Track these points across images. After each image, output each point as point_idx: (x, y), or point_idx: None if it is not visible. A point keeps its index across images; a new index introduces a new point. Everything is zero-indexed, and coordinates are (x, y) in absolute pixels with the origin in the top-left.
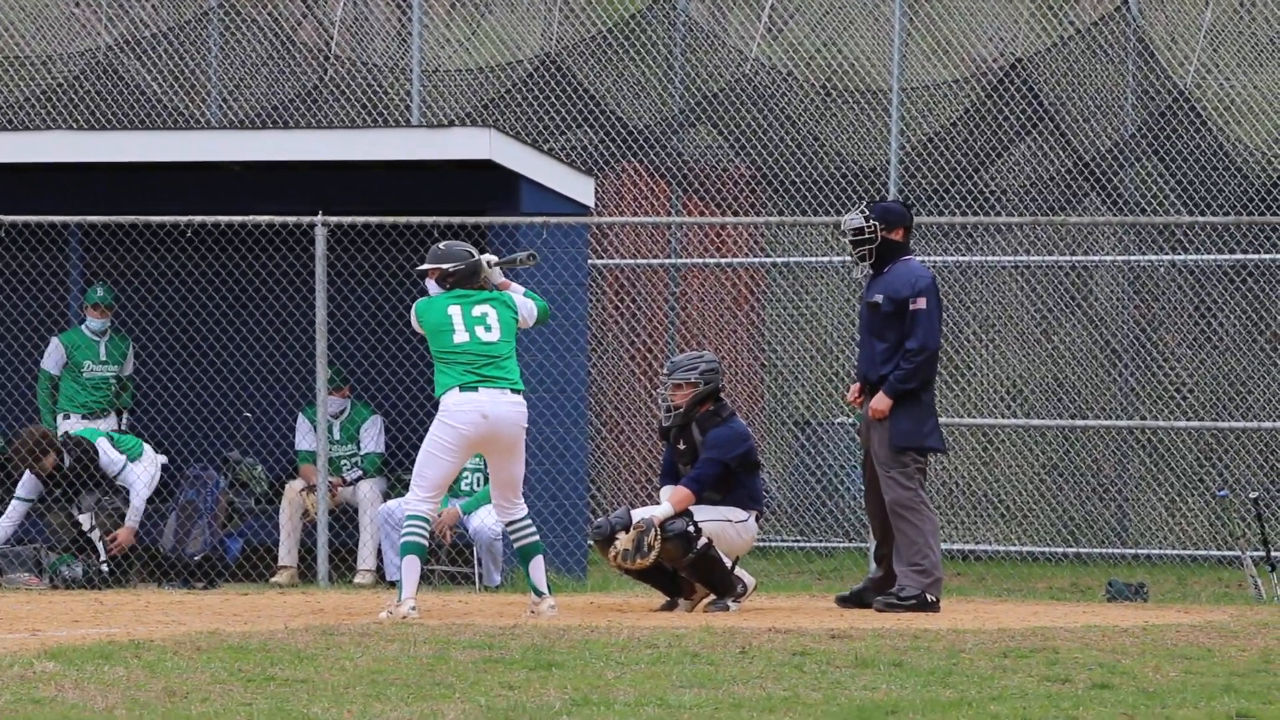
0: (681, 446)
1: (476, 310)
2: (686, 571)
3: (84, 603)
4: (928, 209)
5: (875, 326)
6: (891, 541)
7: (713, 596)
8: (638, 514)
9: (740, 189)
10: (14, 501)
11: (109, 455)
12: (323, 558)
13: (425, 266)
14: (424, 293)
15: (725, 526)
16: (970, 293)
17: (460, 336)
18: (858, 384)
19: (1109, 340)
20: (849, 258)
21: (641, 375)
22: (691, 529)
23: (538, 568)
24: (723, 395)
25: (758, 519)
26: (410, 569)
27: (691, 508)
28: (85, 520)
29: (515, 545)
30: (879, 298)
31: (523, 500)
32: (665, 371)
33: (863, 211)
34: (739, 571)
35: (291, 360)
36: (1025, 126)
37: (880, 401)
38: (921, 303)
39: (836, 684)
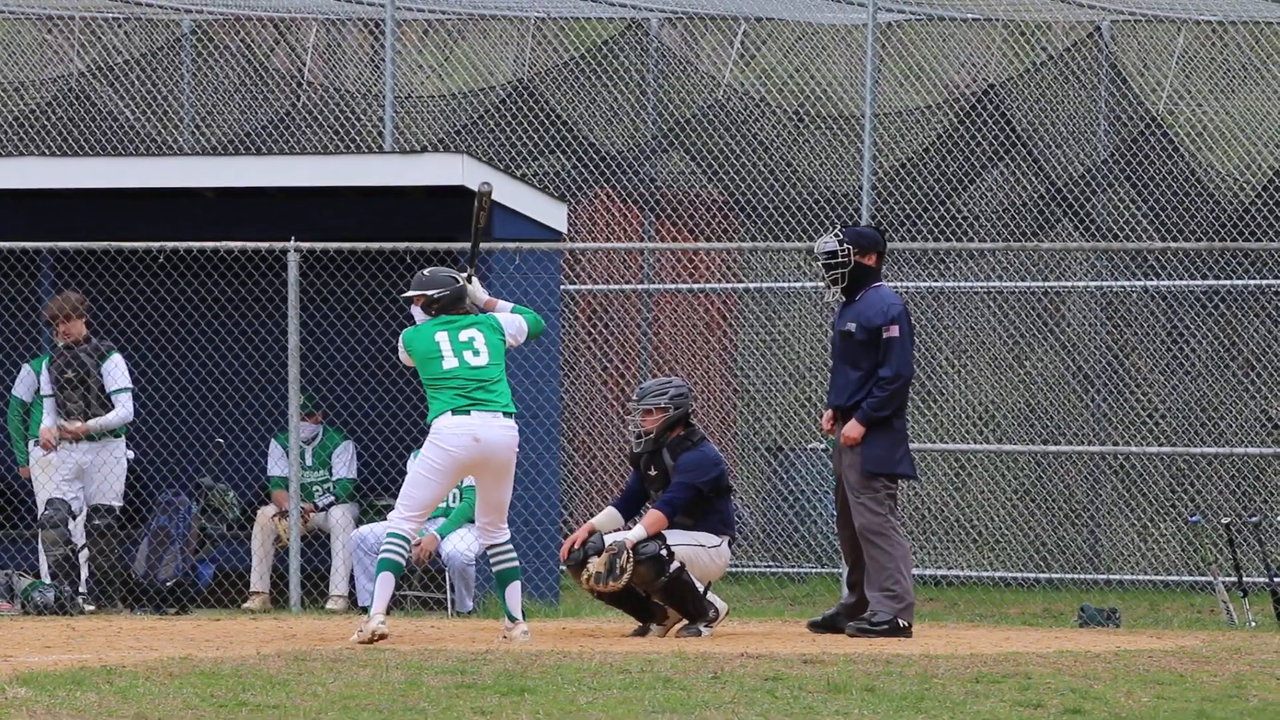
0: (652, 473)
1: (463, 335)
2: (659, 596)
3: (56, 628)
4: (900, 234)
5: (848, 354)
6: (863, 567)
7: (685, 622)
8: (610, 538)
9: (713, 214)
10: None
11: (114, 372)
12: (295, 583)
13: (410, 294)
14: (402, 323)
15: (698, 551)
16: (942, 318)
17: (449, 362)
18: (830, 410)
19: (1081, 366)
20: (821, 282)
21: (614, 400)
22: (665, 553)
23: (514, 593)
24: (693, 420)
25: (730, 544)
26: (384, 585)
27: (664, 532)
28: (77, 534)
29: (494, 569)
30: (851, 326)
31: (506, 525)
32: (635, 398)
33: (836, 235)
34: (711, 597)
35: (264, 386)
36: (998, 152)
37: (853, 429)
38: (895, 330)
39: (809, 709)
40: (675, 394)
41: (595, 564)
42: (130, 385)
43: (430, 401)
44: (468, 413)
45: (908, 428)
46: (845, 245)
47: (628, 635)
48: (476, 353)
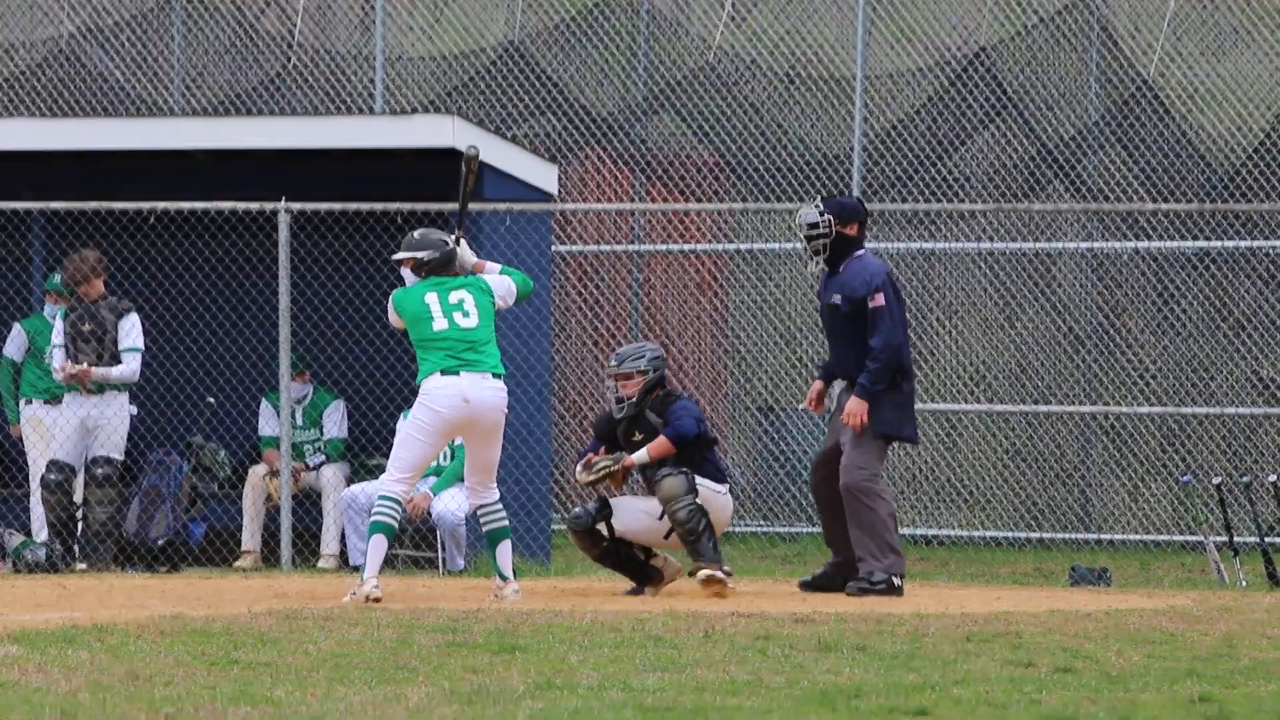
0: (637, 437)
1: (453, 297)
2: (678, 516)
3: (47, 586)
4: (891, 196)
5: (838, 328)
6: (840, 526)
7: (676, 581)
8: (617, 503)
9: (704, 176)
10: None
11: (129, 331)
12: (286, 542)
13: (400, 255)
14: (392, 284)
15: (708, 495)
16: (933, 279)
17: (439, 324)
18: (818, 384)
19: (1072, 326)
20: (804, 252)
21: (605, 362)
22: (692, 479)
23: (504, 552)
24: (668, 383)
25: (730, 493)
26: (376, 548)
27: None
28: (77, 491)
29: (484, 529)
30: (837, 298)
31: (495, 485)
32: (613, 363)
33: (817, 206)
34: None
35: (255, 346)
36: (989, 114)
37: (856, 405)
38: (880, 299)
39: (799, 668)
40: (652, 357)
41: (600, 459)
42: (141, 347)
43: (420, 362)
44: (457, 374)
45: (915, 390)
46: (826, 215)
47: (619, 594)
48: (466, 314)
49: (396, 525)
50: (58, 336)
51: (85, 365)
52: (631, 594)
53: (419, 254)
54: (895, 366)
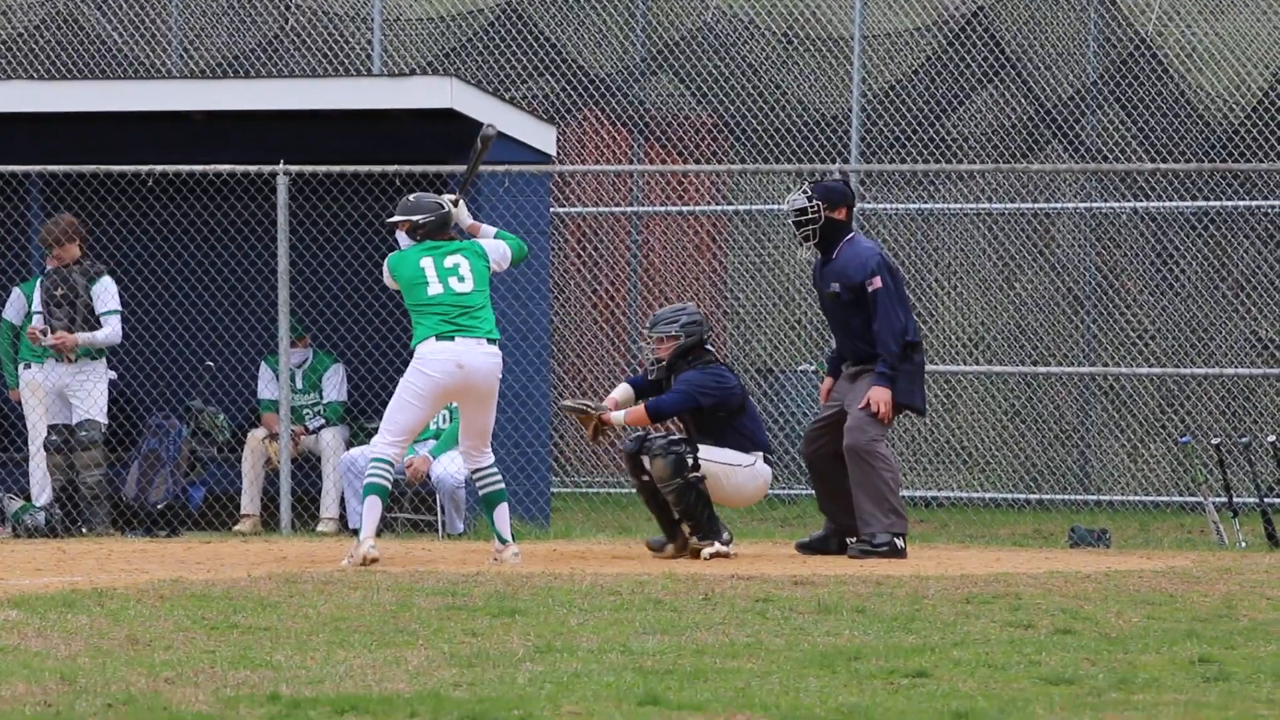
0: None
1: (448, 261)
2: (670, 497)
3: (47, 551)
4: (889, 157)
5: (841, 316)
6: (836, 489)
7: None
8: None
9: (702, 137)
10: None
11: (103, 294)
12: (285, 506)
13: (395, 219)
14: (391, 246)
15: (729, 470)
16: (932, 240)
17: (434, 288)
18: (828, 380)
19: (1071, 287)
20: (793, 238)
21: (604, 324)
22: (690, 460)
23: (502, 515)
24: (709, 346)
25: (766, 461)
26: (371, 509)
27: (701, 446)
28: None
29: (480, 493)
30: (836, 287)
31: (490, 449)
32: (648, 325)
33: (804, 191)
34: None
35: (254, 309)
36: (987, 74)
37: (879, 394)
38: (878, 282)
39: (799, 630)
40: (687, 321)
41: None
42: (119, 308)
43: (415, 327)
44: (451, 339)
45: (925, 362)
46: (814, 201)
47: (619, 557)
48: (461, 279)
49: (390, 486)
50: (36, 304)
51: (61, 333)
52: (654, 544)
53: (414, 217)
54: (904, 344)
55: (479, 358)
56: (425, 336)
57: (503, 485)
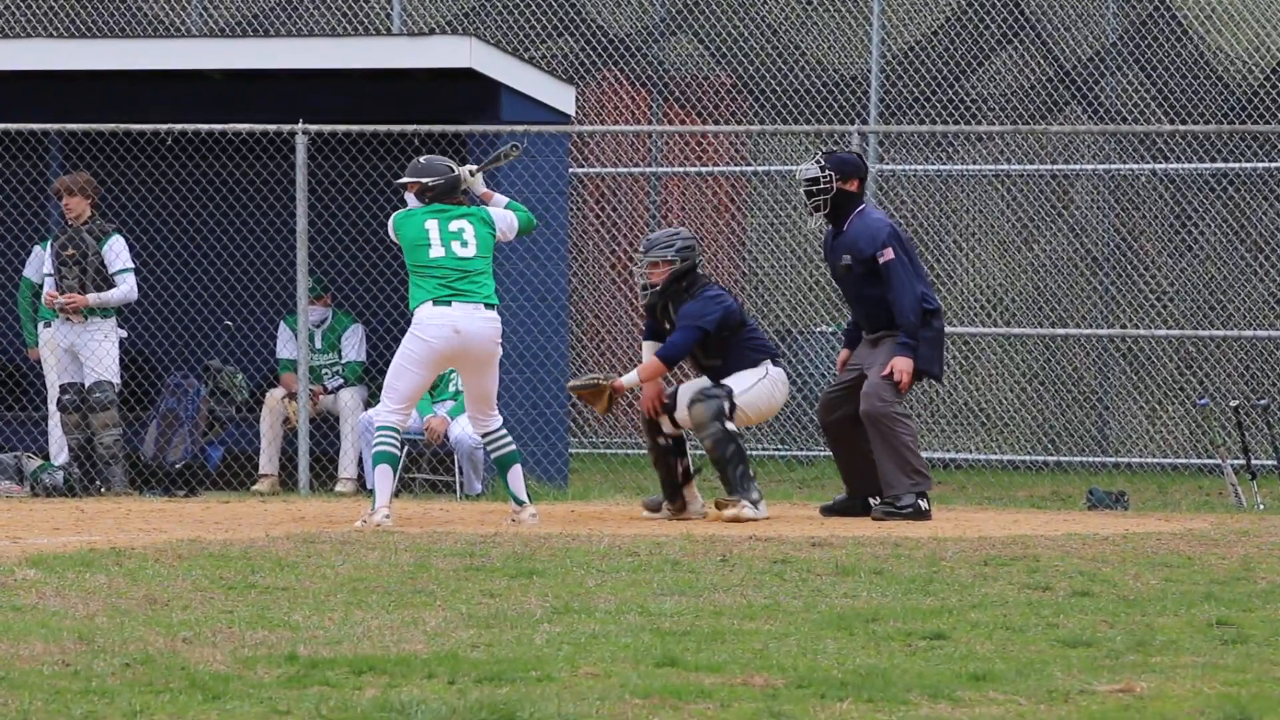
0: (668, 326)
1: (454, 225)
2: (707, 445)
3: (65, 510)
4: (908, 118)
5: (854, 287)
6: (849, 460)
7: (690, 513)
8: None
9: (721, 97)
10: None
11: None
12: (304, 466)
13: (404, 180)
14: (403, 205)
15: (752, 395)
16: (950, 201)
17: (436, 251)
18: (844, 352)
19: (1089, 249)
20: (804, 208)
21: (622, 284)
22: (727, 406)
23: (516, 477)
24: (699, 270)
25: (776, 363)
26: (383, 478)
27: (735, 383)
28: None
29: (492, 456)
30: (847, 259)
31: (497, 412)
32: (641, 250)
33: (817, 161)
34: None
35: (272, 269)
36: (1006, 35)
37: (903, 363)
38: (889, 253)
39: (817, 592)
40: (682, 246)
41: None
42: (132, 266)
43: (412, 289)
44: (449, 303)
45: (944, 327)
46: (827, 171)
47: (637, 518)
48: (465, 244)
49: (399, 453)
50: (48, 265)
51: (78, 295)
52: (649, 504)
53: (423, 179)
54: (921, 312)
55: (476, 323)
56: (422, 300)
57: (514, 447)
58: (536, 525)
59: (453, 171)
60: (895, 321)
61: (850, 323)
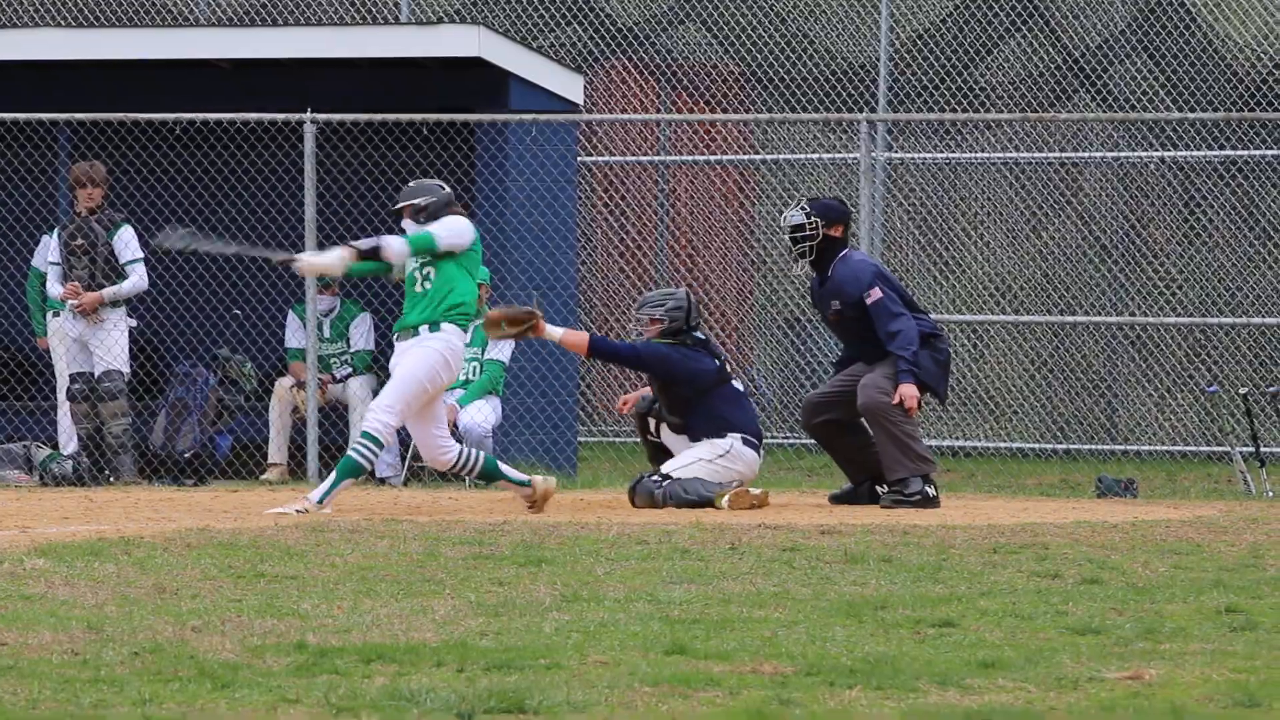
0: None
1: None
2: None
3: (74, 499)
4: (917, 106)
5: (849, 331)
6: (844, 456)
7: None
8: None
9: (729, 86)
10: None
11: (128, 244)
12: (313, 455)
13: (399, 205)
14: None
15: (703, 468)
16: (959, 189)
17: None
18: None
19: (1098, 237)
20: (788, 254)
21: (630, 273)
22: (658, 492)
23: (505, 471)
24: (699, 333)
25: (746, 443)
26: (344, 486)
27: (676, 462)
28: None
29: (474, 477)
30: (836, 304)
31: (450, 440)
32: (636, 305)
33: (802, 208)
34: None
35: None
36: (1015, 23)
37: (909, 390)
38: (875, 293)
39: (826, 579)
40: (672, 307)
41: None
42: (142, 256)
43: (455, 295)
44: (465, 332)
45: (949, 352)
46: (813, 218)
47: (645, 506)
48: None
49: (373, 466)
50: (54, 254)
51: (93, 294)
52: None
53: (416, 200)
54: (918, 342)
55: None
56: (460, 323)
57: (485, 453)
58: (553, 487)
59: (444, 189)
60: (894, 351)
61: (843, 354)
